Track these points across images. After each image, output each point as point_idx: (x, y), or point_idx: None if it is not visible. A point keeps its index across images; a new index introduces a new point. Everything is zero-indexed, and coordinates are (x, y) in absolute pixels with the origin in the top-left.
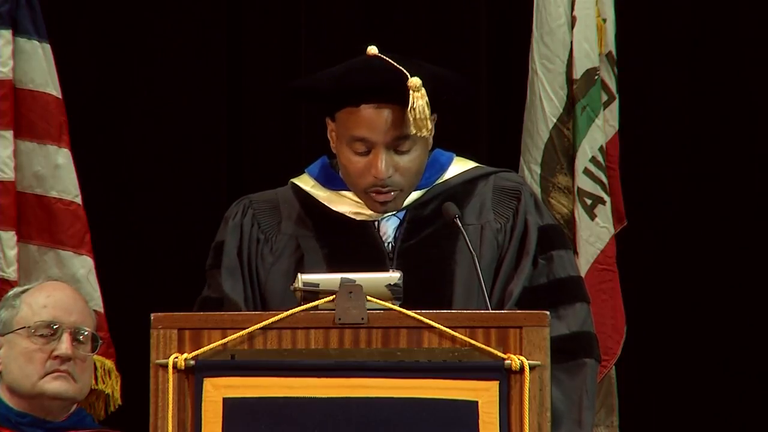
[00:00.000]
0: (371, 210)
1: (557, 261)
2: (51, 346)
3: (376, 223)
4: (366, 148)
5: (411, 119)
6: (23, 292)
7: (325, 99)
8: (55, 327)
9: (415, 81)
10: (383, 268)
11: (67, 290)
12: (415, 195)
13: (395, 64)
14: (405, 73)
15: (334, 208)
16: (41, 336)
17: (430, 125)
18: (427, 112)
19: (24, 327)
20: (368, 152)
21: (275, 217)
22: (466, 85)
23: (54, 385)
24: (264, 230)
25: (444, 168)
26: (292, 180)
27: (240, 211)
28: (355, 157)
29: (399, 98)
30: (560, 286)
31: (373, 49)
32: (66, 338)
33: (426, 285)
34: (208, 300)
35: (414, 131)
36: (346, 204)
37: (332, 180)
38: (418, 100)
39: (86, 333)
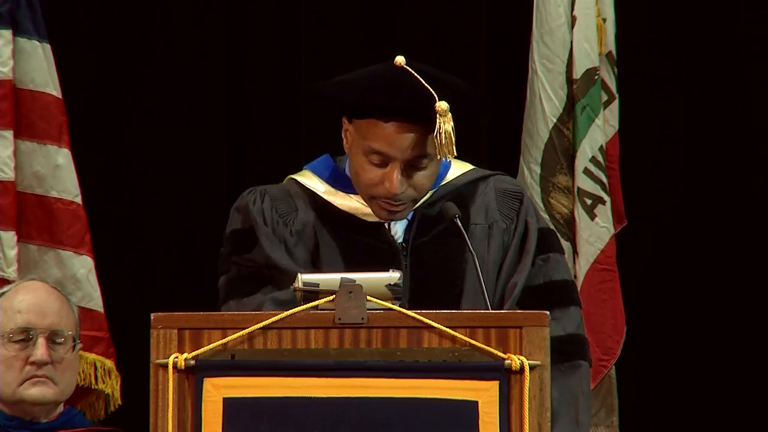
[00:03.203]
0: (377, 216)
1: (553, 263)
2: (27, 351)
3: (387, 223)
4: (383, 161)
5: (437, 144)
6: (0, 296)
7: (352, 109)
8: (29, 332)
9: (442, 105)
10: (398, 267)
11: (41, 292)
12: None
13: (423, 82)
14: (433, 96)
15: (344, 209)
16: (17, 342)
17: (455, 149)
18: (453, 136)
19: None
20: (384, 164)
21: (291, 206)
22: (486, 103)
23: (33, 391)
24: (282, 215)
25: (446, 169)
26: (292, 176)
27: (257, 197)
28: (369, 166)
29: (426, 120)
30: (556, 289)
31: (400, 60)
32: (41, 343)
33: (437, 283)
34: (245, 279)
35: (440, 156)
36: (356, 205)
37: (340, 181)
38: (445, 124)
39: (63, 334)
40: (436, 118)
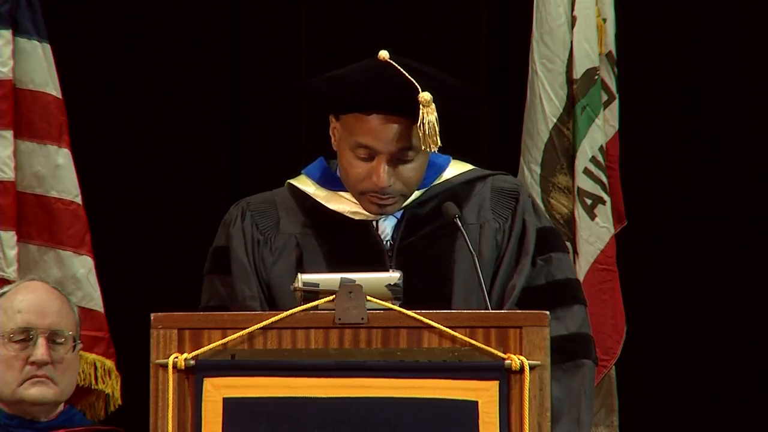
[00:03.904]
0: (367, 211)
1: (555, 263)
2: (27, 351)
3: (375, 222)
4: (369, 155)
5: (421, 134)
6: (0, 296)
7: (337, 105)
8: (30, 332)
9: (425, 96)
10: (382, 267)
11: (41, 292)
12: (413, 195)
13: (407, 75)
14: (416, 87)
15: (332, 208)
16: (17, 342)
17: (439, 140)
18: (437, 127)
19: None
20: (371, 158)
21: (273, 218)
22: (476, 98)
23: (33, 391)
24: (263, 231)
25: (442, 169)
26: (289, 181)
27: (239, 214)
28: (356, 161)
29: (409, 111)
30: (558, 288)
31: (384, 54)
32: (41, 343)
33: (425, 283)
34: (210, 310)
35: (424, 147)
36: (344, 204)
37: (331, 180)
38: (429, 115)
39: (63, 334)
40: (419, 109)
